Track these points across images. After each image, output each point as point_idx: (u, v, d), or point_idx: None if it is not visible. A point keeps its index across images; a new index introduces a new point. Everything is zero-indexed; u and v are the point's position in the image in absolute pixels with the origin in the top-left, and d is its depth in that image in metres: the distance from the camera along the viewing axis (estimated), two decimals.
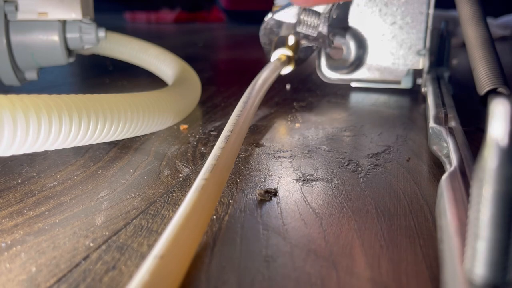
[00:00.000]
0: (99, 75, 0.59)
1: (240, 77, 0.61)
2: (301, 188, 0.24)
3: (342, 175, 0.26)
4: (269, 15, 0.43)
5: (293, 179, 0.26)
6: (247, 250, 0.18)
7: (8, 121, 0.20)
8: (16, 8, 0.38)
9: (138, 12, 1.90)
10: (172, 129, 0.35)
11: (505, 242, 0.12)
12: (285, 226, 0.20)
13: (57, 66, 0.46)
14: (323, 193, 0.24)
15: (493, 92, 0.28)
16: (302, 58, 0.45)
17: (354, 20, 0.47)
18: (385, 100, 0.45)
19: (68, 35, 0.40)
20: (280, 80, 0.50)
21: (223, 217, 0.21)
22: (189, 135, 0.33)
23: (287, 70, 0.46)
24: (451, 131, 0.26)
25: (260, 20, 0.45)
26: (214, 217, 0.21)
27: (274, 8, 0.49)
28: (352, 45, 0.47)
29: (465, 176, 0.20)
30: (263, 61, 0.62)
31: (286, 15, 0.42)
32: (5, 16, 0.38)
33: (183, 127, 0.35)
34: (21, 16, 0.39)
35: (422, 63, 0.46)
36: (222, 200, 0.23)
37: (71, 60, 0.42)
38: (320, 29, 0.41)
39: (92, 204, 0.23)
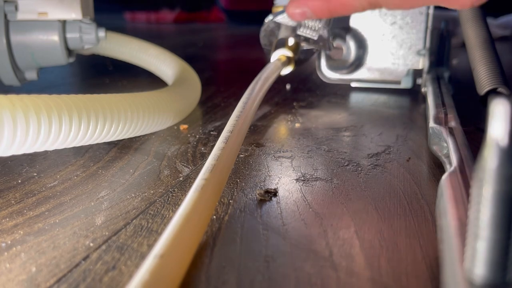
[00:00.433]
0: (99, 75, 0.59)
1: (240, 77, 0.61)
2: (301, 188, 0.24)
3: (342, 175, 0.26)
4: (270, 17, 0.43)
5: (293, 179, 0.26)
6: (247, 250, 0.18)
7: (8, 121, 0.20)
8: (16, 8, 0.38)
9: (138, 12, 1.90)
10: (172, 129, 0.35)
11: (505, 242, 0.12)
12: (285, 226, 0.20)
13: (57, 66, 0.46)
14: (323, 193, 0.24)
15: (493, 92, 0.28)
16: (302, 59, 0.45)
17: (354, 20, 0.47)
18: (385, 100, 0.45)
19: (68, 35, 0.40)
20: (280, 80, 0.50)
21: (223, 217, 0.21)
22: (189, 135, 0.33)
23: (287, 70, 0.46)
24: (451, 131, 0.26)
25: (260, 20, 0.44)
26: (214, 217, 0.21)
27: (274, 8, 0.49)
28: (352, 45, 0.47)
29: (465, 176, 0.20)
30: (263, 61, 0.62)
31: (287, 18, 0.42)
32: (5, 16, 0.38)
33: (183, 127, 0.35)
34: (21, 16, 0.39)
35: (422, 63, 0.46)
36: (222, 200, 0.23)
37: (71, 60, 0.42)
38: (320, 32, 0.41)
39: (92, 204, 0.23)
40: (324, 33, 0.41)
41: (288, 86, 0.51)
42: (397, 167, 0.27)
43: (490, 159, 0.11)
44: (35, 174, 0.26)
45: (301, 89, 0.50)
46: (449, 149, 0.24)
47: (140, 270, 0.14)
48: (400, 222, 0.21)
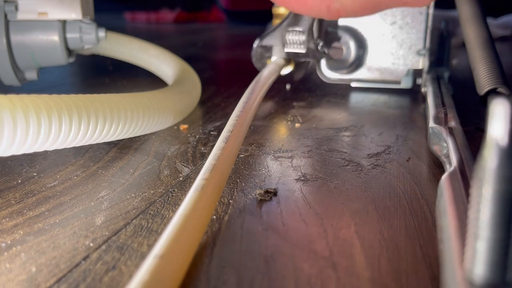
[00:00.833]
0: (99, 75, 0.59)
1: (240, 77, 0.61)
2: (301, 188, 0.24)
3: (342, 175, 0.26)
4: (256, 41, 0.43)
5: (293, 179, 0.26)
6: (247, 250, 0.18)
7: (8, 121, 0.20)
8: (16, 8, 0.38)
9: (138, 12, 1.90)
10: (172, 129, 0.35)
11: (505, 242, 0.12)
12: (285, 226, 0.20)
13: (57, 66, 0.46)
14: (323, 193, 0.24)
15: (493, 92, 0.28)
16: (300, 76, 0.45)
17: (354, 20, 0.47)
18: (385, 100, 0.45)
19: (68, 35, 0.40)
20: (280, 80, 0.50)
21: (223, 217, 0.21)
22: (189, 135, 0.33)
23: (287, 70, 0.46)
24: (451, 131, 0.26)
25: (260, 20, 0.45)
26: (214, 217, 0.21)
27: (274, 9, 0.49)
28: (352, 45, 0.47)
29: (465, 176, 0.20)
30: None
31: (272, 39, 0.42)
32: (5, 16, 0.38)
33: (183, 127, 0.35)
34: (21, 16, 0.39)
35: (422, 63, 0.46)
36: (222, 200, 0.23)
37: (71, 60, 0.42)
38: (307, 45, 0.41)
39: (92, 204, 0.23)
40: (311, 44, 0.41)
41: (288, 86, 0.51)
42: (397, 167, 0.27)
43: (490, 159, 0.11)
44: (35, 174, 0.26)
45: (301, 89, 0.50)
46: (449, 149, 0.24)
47: (140, 270, 0.14)
48: (400, 222, 0.21)
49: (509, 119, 0.11)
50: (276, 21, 0.49)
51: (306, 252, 0.18)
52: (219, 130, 0.35)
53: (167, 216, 0.21)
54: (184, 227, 0.16)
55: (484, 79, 0.28)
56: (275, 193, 0.24)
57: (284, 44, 0.41)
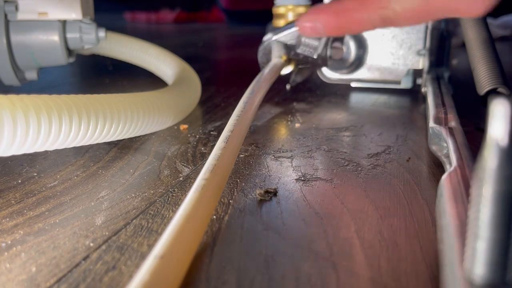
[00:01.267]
0: (99, 75, 0.59)
1: (240, 77, 0.61)
2: (301, 188, 0.24)
3: (342, 175, 0.26)
4: (269, 35, 0.42)
5: (293, 179, 0.26)
6: (247, 250, 0.18)
7: (8, 121, 0.20)
8: (16, 8, 0.38)
9: (138, 12, 1.90)
10: (172, 129, 0.35)
11: (505, 242, 0.12)
12: (285, 226, 0.20)
13: (57, 66, 0.46)
14: (323, 193, 0.24)
15: (493, 92, 0.28)
16: (299, 80, 0.45)
17: None
18: (385, 100, 0.45)
19: (68, 35, 0.40)
20: (280, 80, 0.50)
21: (223, 217, 0.21)
22: (189, 135, 0.33)
23: (287, 70, 0.46)
24: (451, 131, 0.26)
25: (260, 20, 0.44)
26: (214, 217, 0.21)
27: (274, 9, 0.49)
28: (352, 45, 0.47)
29: (465, 176, 0.20)
30: None
31: (287, 36, 0.41)
32: (5, 16, 0.38)
33: (183, 127, 0.35)
34: (21, 16, 0.39)
35: (422, 63, 0.46)
36: (222, 200, 0.23)
37: (71, 60, 0.42)
38: (319, 51, 0.41)
39: (92, 204, 0.23)
40: (324, 51, 0.41)
41: (288, 86, 0.50)
42: (397, 167, 0.27)
43: (490, 159, 0.11)
44: (35, 174, 0.26)
45: (301, 89, 0.50)
46: (449, 149, 0.24)
47: (140, 270, 0.14)
48: (400, 222, 0.21)
49: (509, 119, 0.11)
50: (276, 21, 0.49)
51: (306, 252, 0.18)
52: (219, 130, 0.35)
53: (167, 216, 0.21)
54: (184, 227, 0.16)
55: (484, 79, 0.28)
56: (275, 193, 0.24)
57: (298, 44, 0.41)
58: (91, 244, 0.19)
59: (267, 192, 0.23)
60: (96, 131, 0.25)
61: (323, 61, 0.41)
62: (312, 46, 0.41)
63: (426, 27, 0.45)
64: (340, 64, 0.48)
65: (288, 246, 0.19)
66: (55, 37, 0.39)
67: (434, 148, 0.27)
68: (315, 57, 0.41)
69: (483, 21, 0.33)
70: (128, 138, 0.32)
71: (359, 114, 0.40)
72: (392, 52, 0.47)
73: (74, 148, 0.29)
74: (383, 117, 0.39)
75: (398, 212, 0.22)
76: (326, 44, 0.41)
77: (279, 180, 0.25)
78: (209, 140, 0.32)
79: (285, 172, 0.27)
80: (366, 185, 0.25)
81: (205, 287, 0.16)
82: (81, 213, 0.22)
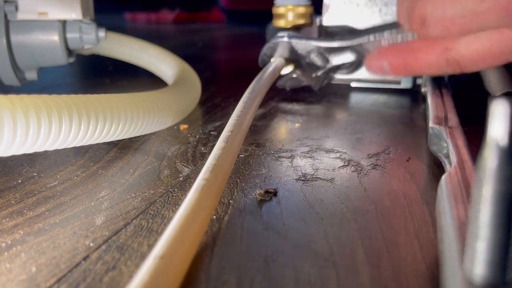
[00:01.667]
0: (99, 75, 0.59)
1: (240, 77, 0.61)
2: (301, 188, 0.24)
3: (342, 175, 0.26)
4: (283, 34, 0.42)
5: (293, 179, 0.26)
6: (247, 250, 0.18)
7: (8, 121, 0.20)
8: (16, 8, 0.38)
9: (138, 12, 1.90)
10: (172, 129, 0.35)
11: (505, 242, 0.12)
12: (285, 226, 0.20)
13: (57, 66, 0.46)
14: (323, 193, 0.24)
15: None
16: (288, 86, 0.44)
17: (354, 20, 0.47)
18: (385, 100, 0.45)
19: (68, 35, 0.40)
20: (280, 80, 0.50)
21: (223, 217, 0.21)
22: (189, 135, 0.33)
23: (287, 70, 0.46)
24: (451, 131, 0.26)
25: (260, 20, 0.44)
26: (214, 217, 0.21)
27: (274, 9, 0.49)
28: None
29: (465, 176, 0.20)
30: None
31: (302, 45, 0.41)
32: (5, 16, 0.38)
33: (183, 127, 0.35)
34: (21, 16, 0.39)
35: None
36: (222, 200, 0.23)
37: (71, 60, 0.42)
38: (319, 73, 0.41)
39: (92, 204, 0.23)
40: (322, 76, 0.41)
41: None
42: (397, 167, 0.27)
43: (490, 159, 0.11)
44: (35, 174, 0.26)
45: (301, 89, 0.50)
46: (449, 149, 0.24)
47: (140, 270, 0.14)
48: (400, 222, 0.21)
49: (509, 119, 0.11)
50: (276, 21, 0.49)
51: (306, 252, 0.18)
52: (219, 130, 0.35)
53: (167, 216, 0.21)
54: (185, 227, 0.16)
55: (496, 84, 0.28)
56: (275, 193, 0.24)
57: (307, 55, 0.41)
58: (91, 244, 0.19)
59: (267, 192, 0.23)
60: (96, 131, 0.25)
61: (317, 81, 0.42)
62: (316, 66, 0.41)
63: None
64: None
65: (288, 246, 0.19)
66: (55, 37, 0.39)
67: (434, 148, 0.27)
68: (313, 75, 0.42)
69: None
70: (128, 138, 0.32)
71: (359, 114, 0.40)
72: None
73: (74, 148, 0.29)
74: (383, 117, 0.39)
75: (398, 212, 0.22)
76: (328, 71, 0.41)
77: (279, 180, 0.25)
78: (209, 140, 0.32)
79: (285, 172, 0.27)
80: (366, 185, 0.25)
81: (205, 287, 0.16)
82: (81, 213, 0.22)
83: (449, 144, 0.25)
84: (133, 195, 0.24)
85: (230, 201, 0.23)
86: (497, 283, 0.12)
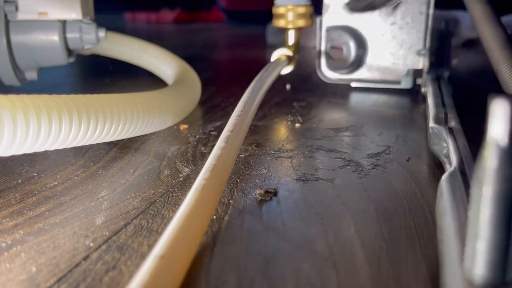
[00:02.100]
0: (99, 75, 0.59)
1: (240, 77, 0.61)
2: (301, 188, 0.24)
3: (342, 175, 0.26)
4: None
5: (293, 179, 0.26)
6: (247, 250, 0.18)
7: (8, 121, 0.20)
8: (16, 8, 0.38)
9: (138, 12, 1.90)
10: (172, 129, 0.35)
11: (505, 242, 0.12)
12: (285, 226, 0.20)
13: (57, 66, 0.46)
14: (323, 193, 0.24)
15: None
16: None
17: (354, 20, 0.47)
18: (385, 100, 0.45)
19: (68, 35, 0.40)
20: (280, 80, 0.50)
21: (223, 217, 0.21)
22: (189, 135, 0.33)
23: (287, 70, 0.46)
24: (451, 131, 0.26)
25: (260, 20, 0.44)
26: (214, 217, 0.21)
27: (274, 9, 0.49)
28: (352, 45, 0.47)
29: (465, 176, 0.20)
30: (263, 61, 0.62)
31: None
32: (5, 16, 0.38)
33: (183, 127, 0.35)
34: (21, 16, 0.39)
35: (422, 63, 0.46)
36: (222, 200, 0.23)
37: (71, 60, 0.42)
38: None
39: (92, 204, 0.23)
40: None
41: (288, 86, 0.51)
42: (397, 167, 0.27)
43: (490, 159, 0.11)
44: (35, 174, 0.26)
45: (301, 89, 0.50)
46: (449, 149, 0.24)
47: (140, 270, 0.14)
48: (400, 222, 0.21)
49: (509, 119, 0.11)
50: (276, 21, 0.49)
51: (306, 252, 0.18)
52: (219, 130, 0.35)
53: (168, 216, 0.21)
54: (185, 227, 0.16)
55: (510, 80, 0.28)
56: (275, 193, 0.24)
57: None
58: (91, 244, 0.19)
59: (267, 192, 0.23)
60: (96, 131, 0.25)
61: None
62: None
63: (426, 27, 0.45)
64: (340, 64, 0.48)
65: (288, 246, 0.19)
66: (55, 37, 0.39)
67: (434, 148, 0.27)
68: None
69: (498, 21, 0.33)
70: (128, 138, 0.32)
71: (359, 114, 0.40)
72: (392, 52, 0.47)
73: (74, 148, 0.29)
74: (383, 117, 0.39)
75: (398, 212, 0.22)
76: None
77: (279, 180, 0.25)
78: (209, 140, 0.32)
79: (285, 172, 0.27)
80: (366, 185, 0.25)
81: (205, 287, 0.16)
82: (81, 213, 0.22)
83: (449, 144, 0.25)
84: (133, 195, 0.24)
85: (230, 201, 0.23)
86: (497, 283, 0.12)
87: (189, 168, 0.27)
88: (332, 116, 0.39)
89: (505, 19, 1.06)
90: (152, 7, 1.90)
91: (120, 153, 0.30)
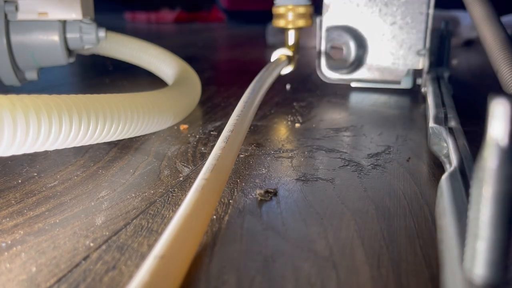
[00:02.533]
0: (99, 75, 0.59)
1: (240, 77, 0.61)
2: (301, 188, 0.24)
3: (342, 175, 0.26)
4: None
5: (293, 179, 0.26)
6: (247, 250, 0.18)
7: (8, 121, 0.20)
8: (16, 8, 0.38)
9: (138, 12, 1.90)
10: (172, 129, 0.35)
11: (505, 242, 0.12)
12: (285, 226, 0.20)
13: (57, 66, 0.46)
14: (323, 193, 0.24)
15: None
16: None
17: (354, 20, 0.47)
18: (385, 100, 0.45)
19: (68, 35, 0.40)
20: (280, 80, 0.50)
21: (223, 217, 0.21)
22: (189, 135, 0.33)
23: (287, 70, 0.46)
24: (451, 131, 0.26)
25: (260, 20, 0.44)
26: (214, 217, 0.21)
27: (274, 9, 0.49)
28: (352, 45, 0.47)
29: (465, 176, 0.20)
30: (263, 61, 0.62)
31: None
32: (5, 16, 0.38)
33: (183, 127, 0.35)
34: (21, 16, 0.39)
35: (422, 63, 0.46)
36: (222, 200, 0.23)
37: (71, 60, 0.42)
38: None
39: (92, 204, 0.23)
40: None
41: (288, 86, 0.51)
42: (397, 167, 0.27)
43: (490, 159, 0.11)
44: (35, 174, 0.26)
45: (301, 89, 0.50)
46: (449, 149, 0.24)
47: (140, 270, 0.14)
48: (400, 222, 0.21)
49: (509, 119, 0.11)
50: (276, 21, 0.49)
51: (306, 252, 0.18)
52: (219, 130, 0.35)
53: (168, 216, 0.21)
54: (185, 227, 0.16)
55: (510, 80, 0.28)
56: (275, 193, 0.24)
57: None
58: (91, 244, 0.19)
59: (267, 192, 0.23)
60: (96, 131, 0.25)
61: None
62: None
63: (426, 27, 0.45)
64: (340, 64, 0.48)
65: (288, 246, 0.19)
66: (55, 37, 0.39)
67: (434, 148, 0.27)
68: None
69: (498, 21, 0.33)
70: (128, 138, 0.32)
71: (359, 114, 0.40)
72: (392, 52, 0.47)
73: (74, 148, 0.29)
74: (383, 117, 0.39)
75: (398, 212, 0.22)
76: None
77: (279, 180, 0.25)
78: (209, 140, 0.32)
79: (285, 172, 0.27)
80: (366, 185, 0.25)
81: (205, 287, 0.16)
82: (81, 213, 0.22)
83: (449, 144, 0.25)
84: (133, 195, 0.24)
85: (230, 201, 0.23)
86: (497, 283, 0.12)
87: (189, 168, 0.27)
88: (332, 116, 0.39)
89: (505, 19, 1.06)
90: (152, 7, 1.90)
91: (120, 153, 0.30)
